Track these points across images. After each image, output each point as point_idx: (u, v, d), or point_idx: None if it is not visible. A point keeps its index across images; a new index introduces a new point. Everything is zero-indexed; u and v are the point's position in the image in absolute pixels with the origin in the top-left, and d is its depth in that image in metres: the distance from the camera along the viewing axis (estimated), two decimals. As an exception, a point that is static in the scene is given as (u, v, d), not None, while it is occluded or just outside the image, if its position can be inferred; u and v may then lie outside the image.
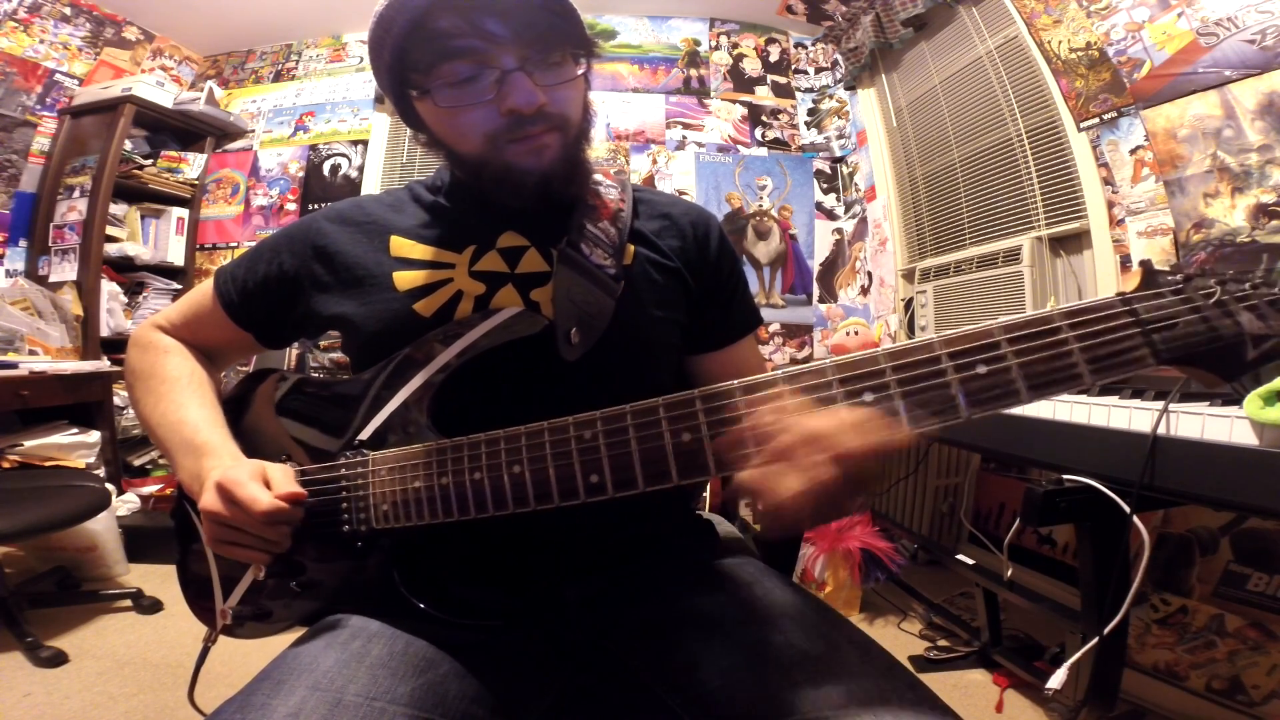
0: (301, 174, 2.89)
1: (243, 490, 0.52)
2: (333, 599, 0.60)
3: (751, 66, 2.94)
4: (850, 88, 2.80)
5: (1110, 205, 1.71)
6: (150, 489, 2.43)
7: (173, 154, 2.84)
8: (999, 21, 2.05)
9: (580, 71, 0.61)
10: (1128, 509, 0.86)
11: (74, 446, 2.14)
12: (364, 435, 0.59)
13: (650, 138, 2.85)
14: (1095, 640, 0.94)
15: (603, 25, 2.93)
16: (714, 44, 2.95)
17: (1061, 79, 1.83)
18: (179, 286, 2.83)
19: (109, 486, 1.88)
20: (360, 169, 2.85)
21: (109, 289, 2.56)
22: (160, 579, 2.02)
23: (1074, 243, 1.85)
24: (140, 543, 2.16)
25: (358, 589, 0.59)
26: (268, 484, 0.54)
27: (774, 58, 2.96)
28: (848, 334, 2.43)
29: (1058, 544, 1.65)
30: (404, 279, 0.64)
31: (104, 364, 2.32)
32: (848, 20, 2.67)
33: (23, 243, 2.55)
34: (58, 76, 2.61)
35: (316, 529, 0.58)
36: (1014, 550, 1.48)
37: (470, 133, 0.60)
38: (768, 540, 0.99)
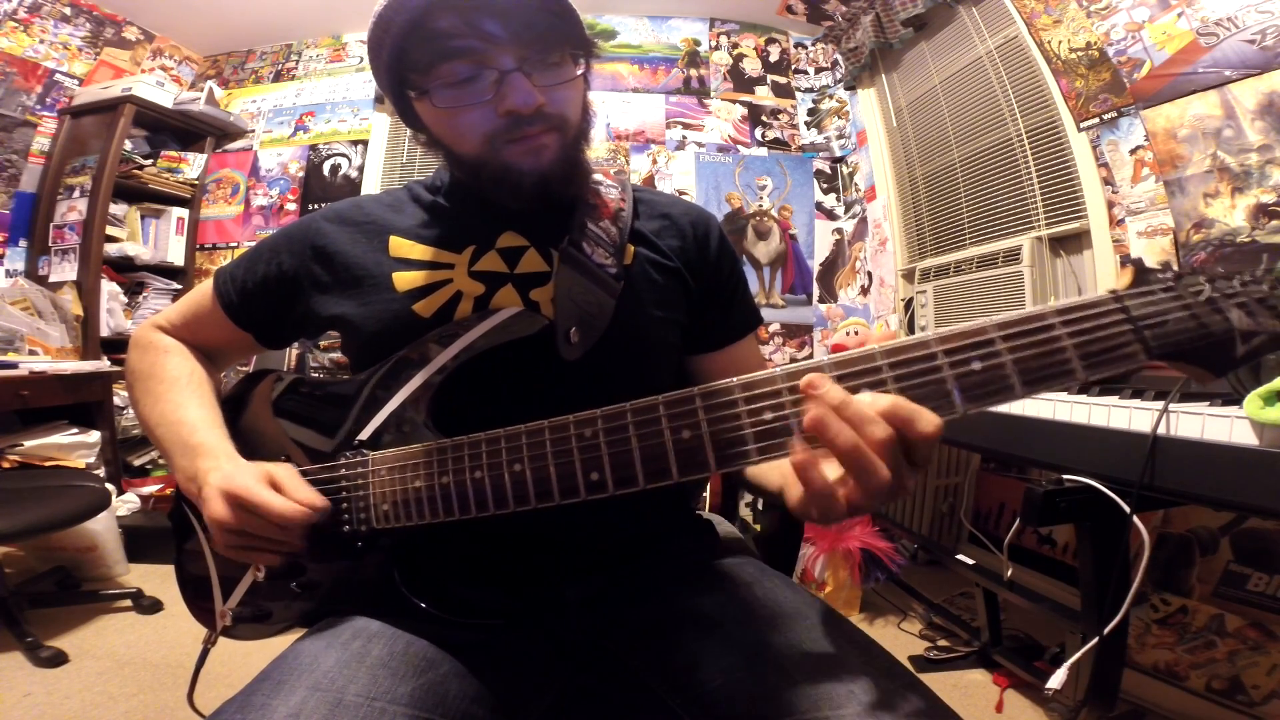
0: (301, 174, 2.89)
1: (255, 496, 0.52)
2: (333, 599, 0.60)
3: (751, 66, 2.94)
4: (850, 88, 2.81)
5: (1110, 205, 1.71)
6: (150, 489, 2.44)
7: (173, 154, 2.84)
8: (999, 21, 2.05)
9: (579, 72, 0.61)
10: (1128, 509, 0.86)
11: (74, 446, 2.14)
12: (363, 435, 0.59)
13: (650, 138, 2.85)
14: (1095, 640, 0.94)
15: (603, 25, 2.93)
16: (714, 44, 2.95)
17: (1061, 79, 1.83)
18: (179, 286, 2.83)
19: (109, 486, 1.88)
20: (360, 169, 2.85)
21: (109, 289, 2.56)
22: (160, 579, 2.02)
23: (1074, 243, 1.85)
24: (140, 543, 2.16)
25: (358, 589, 0.59)
26: (275, 486, 0.54)
27: (774, 58, 2.96)
28: (848, 334, 2.43)
29: (1058, 544, 1.65)
30: (403, 279, 0.64)
31: (104, 364, 2.32)
32: (848, 20, 2.67)
33: (23, 243, 2.55)
34: (58, 76, 2.62)
35: (317, 529, 0.58)
36: (1014, 550, 1.48)
37: (469, 133, 0.60)
38: (769, 539, 0.99)
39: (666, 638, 0.59)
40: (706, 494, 1.42)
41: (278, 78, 3.06)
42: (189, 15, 2.81)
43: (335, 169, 2.87)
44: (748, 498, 1.92)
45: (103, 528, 2.00)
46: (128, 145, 2.63)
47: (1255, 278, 0.38)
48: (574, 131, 0.63)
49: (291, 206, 2.88)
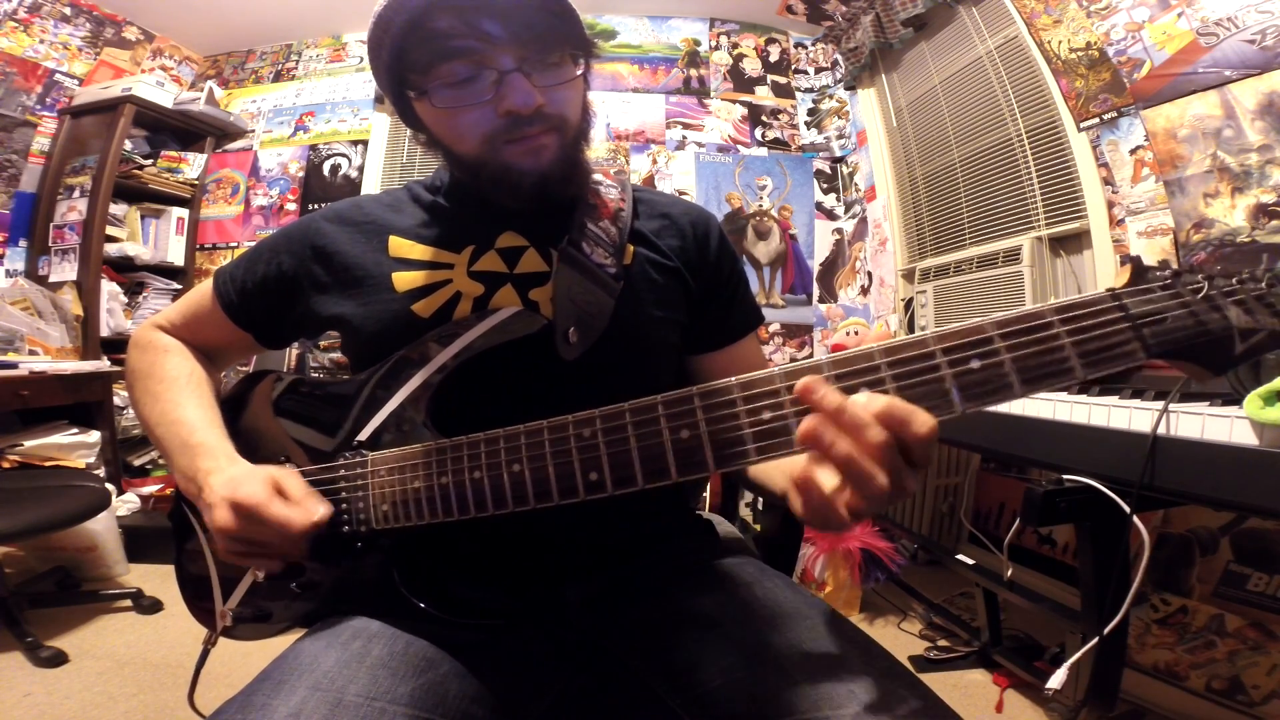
0: (301, 174, 2.89)
1: (268, 509, 0.52)
2: (333, 599, 0.60)
3: (751, 66, 2.94)
4: (850, 88, 2.81)
5: (1110, 205, 1.71)
6: (150, 489, 2.44)
7: (173, 154, 2.84)
8: (999, 21, 2.05)
9: (579, 72, 0.61)
10: (1128, 509, 0.86)
11: (74, 446, 2.14)
12: (362, 436, 0.59)
13: (650, 138, 2.85)
14: (1095, 640, 0.94)
15: (603, 25, 2.93)
16: (714, 44, 2.95)
17: (1061, 79, 1.83)
18: (179, 286, 2.83)
19: (109, 486, 1.89)
20: (360, 169, 2.85)
21: (109, 289, 2.56)
22: (160, 579, 2.02)
23: (1074, 243, 1.85)
24: (140, 543, 2.16)
25: (358, 589, 0.59)
26: (281, 492, 0.54)
27: (774, 58, 2.96)
28: (848, 334, 2.43)
29: (1058, 544, 1.65)
30: (403, 279, 0.64)
31: (104, 364, 2.32)
32: (848, 20, 2.67)
33: (23, 243, 2.55)
34: (58, 76, 2.62)
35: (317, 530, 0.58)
36: (1014, 550, 1.48)
37: (468, 133, 0.60)
38: (769, 540, 0.99)
39: (666, 638, 0.59)
40: (706, 494, 1.42)
41: (278, 78, 3.06)
42: (189, 15, 2.82)
43: (335, 169, 2.87)
44: (748, 497, 1.92)
45: (103, 528, 2.00)
46: (128, 145, 2.63)
47: (1254, 276, 0.38)
48: (573, 132, 0.63)
49: (291, 206, 2.88)
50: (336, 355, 2.72)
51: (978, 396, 0.38)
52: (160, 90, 2.67)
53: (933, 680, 1.28)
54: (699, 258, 0.72)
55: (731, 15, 2.95)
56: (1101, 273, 1.73)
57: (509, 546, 0.63)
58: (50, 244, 2.52)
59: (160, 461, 2.62)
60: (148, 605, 1.86)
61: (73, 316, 2.41)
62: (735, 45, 2.95)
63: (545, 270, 0.64)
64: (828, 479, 0.39)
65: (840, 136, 2.87)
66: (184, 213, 2.86)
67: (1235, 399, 0.77)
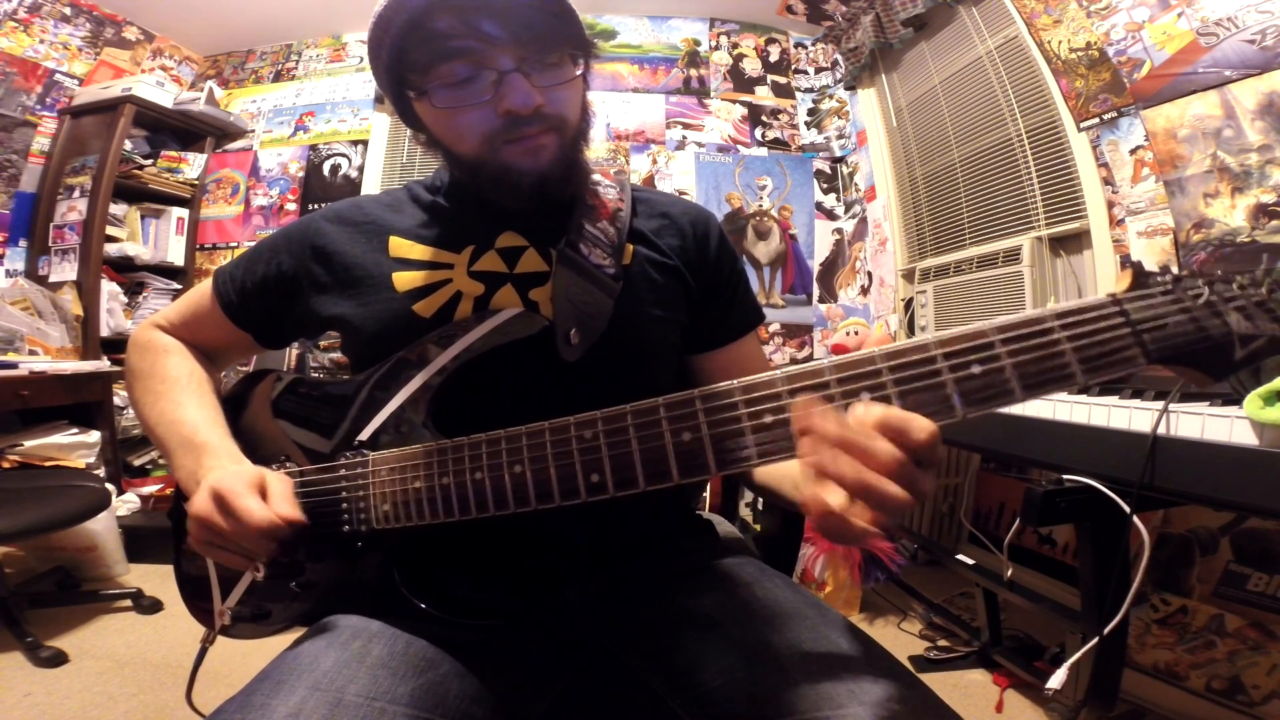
0: (301, 174, 2.89)
1: (239, 501, 0.51)
2: (332, 599, 0.60)
3: (751, 66, 2.94)
4: (850, 88, 2.81)
5: (1110, 205, 1.71)
6: (150, 489, 2.44)
7: (173, 154, 2.84)
8: (999, 21, 2.05)
9: (578, 72, 0.61)
10: (1128, 509, 0.86)
11: (74, 446, 2.14)
12: (363, 436, 0.59)
13: (650, 138, 2.85)
14: (1095, 640, 0.94)
15: (603, 25, 2.93)
16: (714, 44, 2.95)
17: (1061, 79, 1.83)
18: (179, 286, 2.83)
19: (109, 486, 1.89)
20: (360, 169, 2.85)
21: (109, 289, 2.56)
22: (160, 579, 2.02)
23: (1074, 243, 1.85)
24: (140, 543, 2.16)
25: (358, 589, 0.59)
26: (264, 493, 0.54)
27: (774, 58, 2.96)
28: (848, 334, 2.43)
29: (1058, 544, 1.65)
30: (403, 279, 0.64)
31: (104, 364, 2.32)
32: (848, 20, 2.67)
33: (23, 243, 2.55)
34: (58, 76, 2.62)
35: (317, 530, 0.58)
36: (1014, 550, 1.49)
37: (467, 133, 0.60)
38: (769, 540, 0.99)
39: (666, 638, 0.59)
40: (706, 494, 1.42)
41: (278, 78, 3.06)
42: (189, 15, 2.82)
43: (335, 169, 2.87)
44: (748, 497, 1.92)
45: (103, 528, 2.00)
46: (128, 145, 2.63)
47: (1254, 281, 0.38)
48: (573, 132, 0.63)
49: (291, 206, 2.88)
50: (336, 355, 2.72)
51: (979, 401, 0.38)
52: (160, 90, 2.67)
53: (933, 680, 1.28)
54: (699, 257, 0.72)
55: (731, 15, 2.95)
56: (1101, 273, 1.74)
57: (509, 547, 0.63)
58: (50, 244, 2.52)
59: (160, 461, 2.62)
60: (148, 605, 1.86)
61: (73, 316, 2.41)
62: (735, 45, 2.95)
63: (545, 270, 0.64)
64: (835, 498, 0.38)
65: (840, 136, 2.87)
66: (184, 213, 2.87)
67: (1235, 399, 0.77)
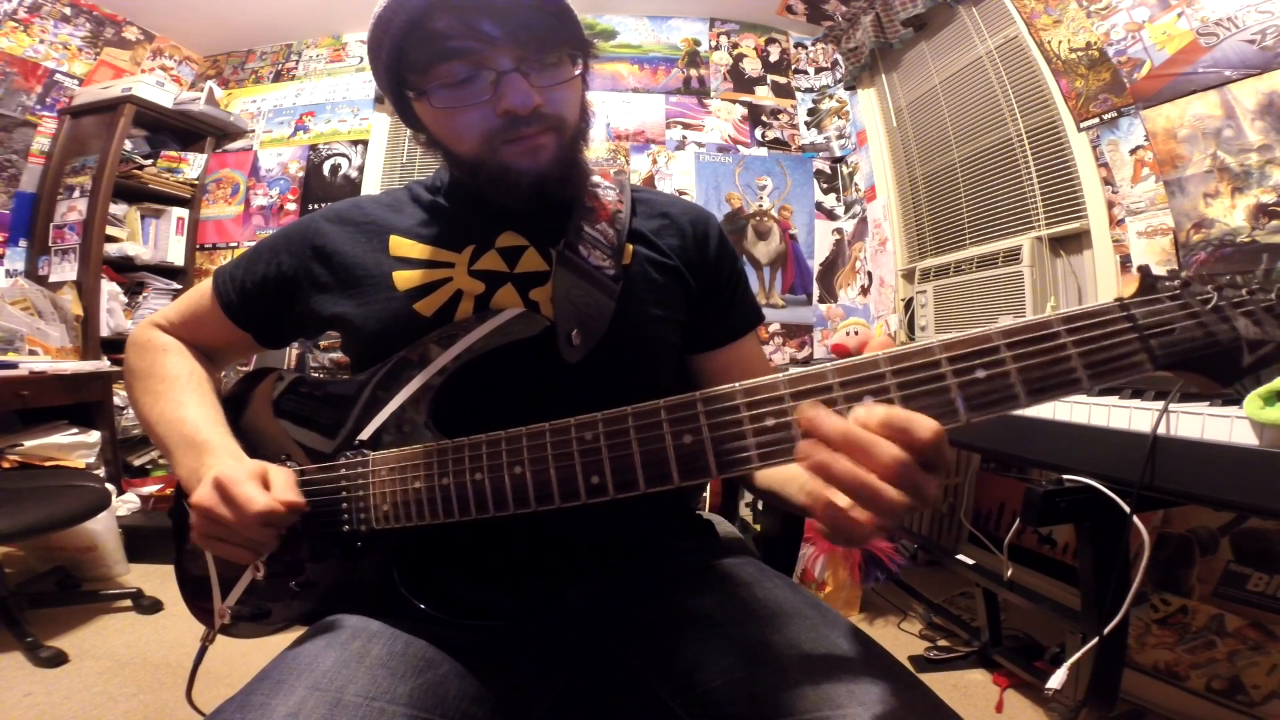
0: (301, 174, 2.89)
1: (239, 488, 0.52)
2: (332, 599, 0.60)
3: (751, 66, 2.94)
4: (850, 88, 2.80)
5: (1110, 205, 1.71)
6: (150, 489, 2.44)
7: (173, 154, 2.84)
8: (999, 21, 2.05)
9: (577, 72, 0.61)
10: (1128, 509, 0.86)
11: (74, 446, 2.14)
12: (364, 435, 0.59)
13: (650, 138, 2.85)
14: (1095, 640, 0.94)
15: (603, 25, 2.93)
16: (714, 44, 2.95)
17: (1061, 79, 1.83)
18: (179, 286, 2.83)
19: (109, 486, 1.88)
20: (360, 169, 2.85)
21: (109, 289, 2.56)
22: (160, 579, 2.02)
23: (1074, 243, 1.85)
24: (140, 543, 2.16)
25: (357, 589, 0.59)
26: (266, 484, 0.54)
27: (774, 58, 2.96)
28: (848, 334, 2.43)
29: (1058, 544, 1.65)
30: (403, 278, 0.64)
31: (104, 364, 2.32)
32: (848, 20, 2.67)
33: (23, 243, 2.55)
34: (58, 76, 2.61)
35: (316, 529, 0.58)
36: (1014, 550, 1.48)
37: (466, 133, 0.60)
38: (769, 540, 0.99)
39: (667, 638, 0.59)
40: (707, 494, 1.42)
41: (278, 78, 3.06)
42: (189, 15, 2.81)
43: (335, 169, 2.87)
44: (748, 497, 1.92)
45: (103, 528, 2.00)
46: (128, 145, 2.63)
47: (1263, 286, 0.37)
48: (572, 132, 0.63)
49: (291, 206, 2.88)
50: (337, 355, 2.72)
51: (983, 406, 0.38)
52: (160, 90, 2.67)
53: (933, 680, 1.28)
54: (699, 257, 0.72)
55: (731, 15, 2.95)
56: (1101, 273, 1.74)
57: (509, 547, 0.63)
58: (50, 244, 2.52)
59: (160, 461, 2.62)
60: (148, 605, 1.86)
61: (73, 316, 2.41)
62: (735, 45, 2.95)
63: (545, 270, 0.64)
64: (840, 499, 0.38)
65: (840, 136, 2.87)
66: (184, 213, 2.86)
67: (1235, 399, 0.77)
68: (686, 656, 0.56)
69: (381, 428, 0.59)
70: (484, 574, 0.63)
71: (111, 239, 2.59)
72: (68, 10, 2.60)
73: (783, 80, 2.95)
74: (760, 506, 2.09)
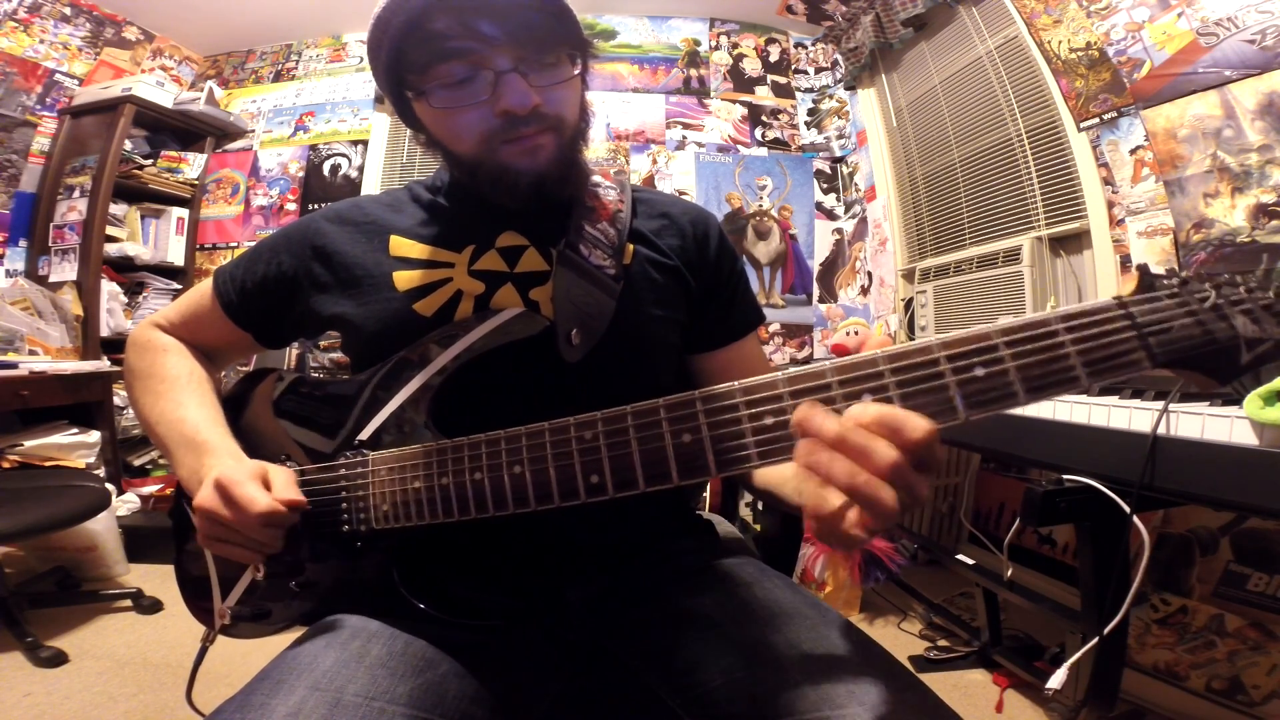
0: (301, 174, 2.89)
1: (241, 489, 0.52)
2: (332, 599, 0.60)
3: (751, 66, 2.94)
4: (850, 88, 2.81)
5: (1110, 205, 1.71)
6: (150, 489, 2.44)
7: (173, 154, 2.84)
8: (999, 21, 2.05)
9: (576, 72, 0.61)
10: (1128, 509, 0.86)
11: (74, 446, 2.14)
12: (363, 435, 0.59)
13: (650, 138, 2.85)
14: (1095, 640, 0.94)
15: (603, 25, 2.93)
16: (714, 44, 2.95)
17: (1061, 79, 1.83)
18: (179, 286, 2.83)
19: (109, 486, 1.88)
20: (360, 169, 2.85)
21: (109, 289, 2.56)
22: (160, 579, 2.02)
23: (1074, 243, 1.85)
24: (140, 543, 2.16)
25: (357, 589, 0.59)
26: (267, 485, 0.54)
27: (774, 58, 2.96)
28: (848, 334, 2.43)
29: (1058, 544, 1.65)
30: (403, 279, 0.64)
31: (104, 364, 2.32)
32: (848, 20, 2.67)
33: (23, 243, 2.55)
34: (58, 76, 2.62)
35: (316, 529, 0.58)
36: (1014, 550, 1.48)
37: (465, 133, 0.60)
38: (769, 540, 0.99)
39: (666, 638, 0.59)
40: (706, 494, 1.42)
41: (278, 78, 3.06)
42: (189, 15, 2.81)
43: (335, 169, 2.87)
44: (748, 497, 1.92)
45: (103, 528, 2.00)
46: (128, 145, 2.63)
47: (1261, 284, 0.37)
48: (571, 132, 0.63)
49: (291, 206, 2.88)
50: (337, 355, 2.72)
51: (982, 404, 0.38)
52: (160, 90, 2.67)
53: (933, 680, 1.28)
54: (699, 257, 0.72)
55: (731, 15, 2.95)
56: (1101, 273, 1.73)
57: (509, 547, 0.63)
58: (50, 244, 2.52)
59: (160, 461, 2.62)
60: (148, 605, 1.86)
61: (73, 316, 2.41)
62: (735, 45, 2.95)
63: (546, 270, 0.64)
64: (833, 501, 0.38)
65: (840, 136, 2.87)
66: (184, 213, 2.86)
67: (1235, 399, 0.77)
68: (686, 656, 0.56)
69: (381, 427, 0.59)
70: (484, 574, 0.63)
71: (111, 239, 2.59)
72: (68, 10, 2.60)
73: (783, 80, 2.95)
74: (760, 506, 2.09)
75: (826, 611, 0.59)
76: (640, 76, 2.91)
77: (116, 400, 2.37)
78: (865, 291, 2.72)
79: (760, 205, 2.82)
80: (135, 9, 2.76)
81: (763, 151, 2.87)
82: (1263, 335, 0.36)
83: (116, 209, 2.63)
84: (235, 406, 0.71)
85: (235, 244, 2.91)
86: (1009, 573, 1.37)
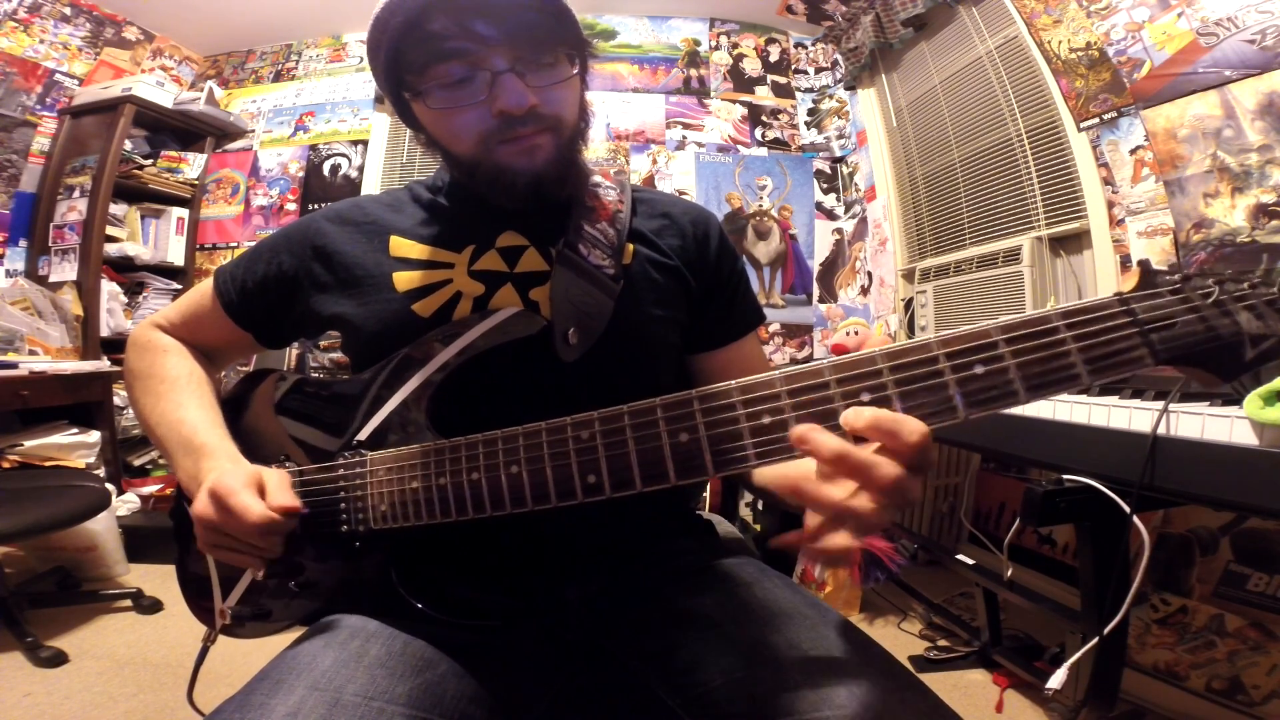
0: (301, 174, 2.89)
1: (235, 499, 0.52)
2: (331, 599, 0.60)
3: (751, 66, 2.94)
4: (850, 88, 2.80)
5: (1110, 205, 1.71)
6: (150, 489, 2.44)
7: (173, 154, 2.84)
8: (999, 21, 2.05)
9: (574, 72, 0.61)
10: (1128, 509, 0.86)
11: (74, 446, 2.14)
12: (362, 435, 0.59)
13: (650, 138, 2.85)
14: (1095, 640, 0.94)
15: (603, 25, 2.93)
16: (714, 44, 2.95)
17: (1061, 79, 1.83)
18: (179, 286, 2.83)
19: (109, 486, 1.88)
20: (360, 169, 2.85)
21: (109, 289, 2.56)
22: (160, 579, 2.02)
23: (1074, 243, 1.85)
24: (140, 543, 2.16)
25: (356, 589, 0.59)
26: (262, 491, 0.54)
27: (774, 58, 2.96)
28: (848, 334, 2.43)
29: (1058, 544, 1.65)
30: (403, 279, 0.64)
31: (104, 364, 2.32)
32: (848, 20, 2.67)
33: (23, 243, 2.55)
34: (58, 76, 2.62)
35: (315, 529, 0.58)
36: (1014, 550, 1.48)
37: (463, 134, 0.60)
38: (769, 540, 0.99)
39: (666, 638, 0.59)
40: (706, 494, 1.42)
41: (278, 78, 3.06)
42: (189, 15, 2.81)
43: (335, 169, 2.87)
44: (748, 497, 1.92)
45: (103, 528, 2.00)
46: (128, 145, 2.63)
47: (1265, 280, 0.37)
48: (569, 132, 0.63)
49: (291, 206, 2.88)
50: (337, 355, 2.72)
51: (982, 402, 0.38)
52: (160, 90, 2.67)
53: (933, 680, 1.28)
54: (699, 257, 0.72)
55: (731, 15, 2.95)
56: (1102, 273, 1.73)
57: (508, 547, 0.62)
58: (50, 244, 2.52)
59: (160, 461, 2.62)
60: (148, 605, 1.86)
61: (73, 316, 2.41)
62: (735, 45, 2.95)
63: (546, 270, 0.64)
64: (838, 490, 0.38)
65: (840, 136, 2.87)
66: (184, 213, 2.86)
67: (1235, 399, 0.77)
68: (686, 656, 0.56)
69: (381, 427, 0.59)
70: (482, 574, 0.63)
71: (111, 239, 2.59)
72: (68, 10, 2.60)
73: (783, 80, 2.95)
74: (760, 506, 2.09)
75: (826, 611, 0.59)
76: (640, 76, 2.91)
77: (116, 400, 2.37)
78: (865, 291, 2.72)
79: (760, 205, 2.82)
80: (135, 9, 2.76)
81: (763, 151, 2.87)
82: (1267, 331, 0.36)
83: (116, 209, 2.63)
84: (235, 407, 0.71)
85: (235, 244, 2.91)
86: (1009, 573, 1.37)
